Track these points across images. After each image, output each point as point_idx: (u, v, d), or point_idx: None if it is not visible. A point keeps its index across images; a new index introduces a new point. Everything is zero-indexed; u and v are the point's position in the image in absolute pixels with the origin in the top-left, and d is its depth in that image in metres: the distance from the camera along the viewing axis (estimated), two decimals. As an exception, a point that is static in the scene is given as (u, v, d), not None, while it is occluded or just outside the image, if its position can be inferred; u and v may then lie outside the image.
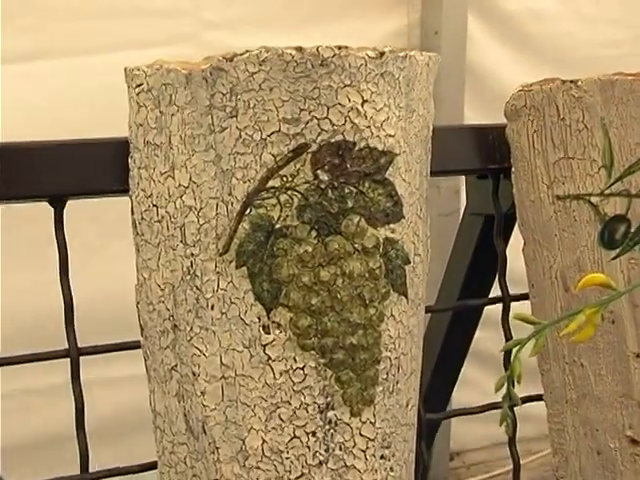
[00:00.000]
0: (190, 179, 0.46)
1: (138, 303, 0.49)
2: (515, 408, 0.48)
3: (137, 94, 0.47)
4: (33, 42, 1.22)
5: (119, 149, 0.49)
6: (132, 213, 0.49)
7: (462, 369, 0.80)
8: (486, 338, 1.04)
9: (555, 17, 1.71)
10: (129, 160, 0.48)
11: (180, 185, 0.46)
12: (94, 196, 0.52)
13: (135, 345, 0.51)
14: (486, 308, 0.73)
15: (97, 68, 1.33)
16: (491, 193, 0.61)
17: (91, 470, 0.53)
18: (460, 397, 1.03)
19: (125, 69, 0.48)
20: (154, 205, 0.47)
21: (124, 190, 0.49)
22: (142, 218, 0.48)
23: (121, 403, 1.14)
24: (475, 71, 1.59)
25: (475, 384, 1.27)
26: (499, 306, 0.67)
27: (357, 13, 1.58)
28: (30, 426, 1.12)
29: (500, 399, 0.62)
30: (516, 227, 0.64)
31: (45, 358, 0.53)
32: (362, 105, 0.44)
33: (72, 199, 0.51)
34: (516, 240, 0.66)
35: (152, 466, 0.52)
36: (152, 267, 0.48)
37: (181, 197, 0.46)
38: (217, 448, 0.47)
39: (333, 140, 0.44)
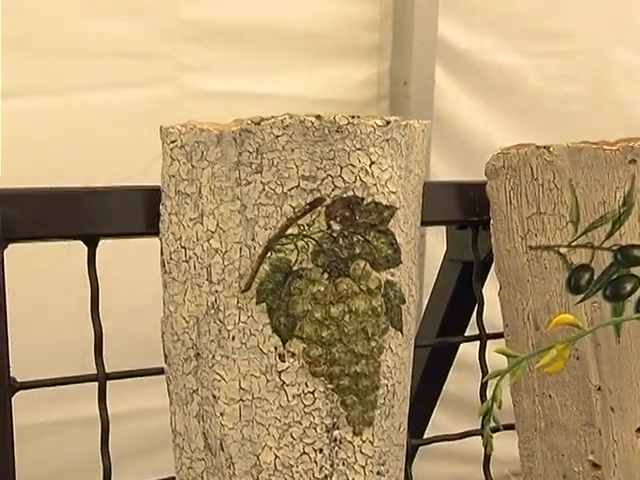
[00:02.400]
0: (217, 225, 0.52)
1: (163, 334, 0.55)
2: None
3: (171, 149, 0.54)
4: (11, 80, 1.26)
5: (150, 196, 0.56)
6: (161, 254, 0.55)
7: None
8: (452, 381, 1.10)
9: (519, 71, 1.81)
10: (160, 206, 0.55)
11: (208, 230, 0.53)
12: (125, 237, 0.58)
13: (158, 371, 0.57)
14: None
15: (75, 107, 1.38)
16: (471, 242, 0.69)
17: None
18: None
19: (160, 127, 0.54)
20: (183, 247, 0.54)
21: (154, 233, 0.56)
22: (170, 258, 0.54)
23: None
24: (442, 120, 1.66)
25: (439, 426, 1.33)
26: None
27: (329, 62, 1.65)
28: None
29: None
30: (490, 274, 0.71)
31: (73, 381, 0.58)
32: (370, 166, 0.51)
33: (104, 239, 0.58)
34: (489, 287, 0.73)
35: (170, 481, 0.58)
36: (178, 301, 0.54)
37: (208, 241, 0.53)
38: (233, 463, 0.53)
39: (345, 195, 0.51)
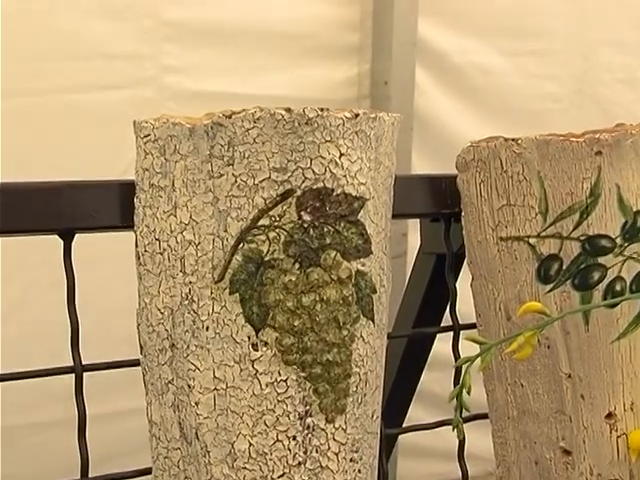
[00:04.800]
0: (190, 217, 0.53)
1: (139, 325, 0.56)
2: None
3: (144, 143, 0.55)
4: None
5: (125, 190, 0.57)
6: (136, 246, 0.56)
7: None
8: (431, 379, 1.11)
9: (499, 71, 1.82)
10: (135, 200, 0.56)
11: (181, 222, 0.54)
12: (100, 231, 0.59)
13: (134, 363, 0.58)
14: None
15: (56, 108, 1.39)
16: (443, 234, 0.70)
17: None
18: (406, 435, 1.11)
19: (134, 122, 0.55)
20: (157, 239, 0.55)
21: (129, 226, 0.56)
22: (145, 250, 0.55)
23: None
24: (422, 119, 1.68)
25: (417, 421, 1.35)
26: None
27: (310, 63, 1.66)
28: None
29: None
30: (465, 267, 0.72)
31: (51, 374, 0.59)
32: (339, 158, 0.52)
33: (80, 233, 0.58)
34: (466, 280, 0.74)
35: (147, 471, 0.59)
36: (153, 293, 0.55)
37: (182, 233, 0.54)
38: (208, 452, 0.54)
39: (315, 187, 0.52)
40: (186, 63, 1.54)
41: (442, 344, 0.83)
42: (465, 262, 0.68)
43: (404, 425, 0.85)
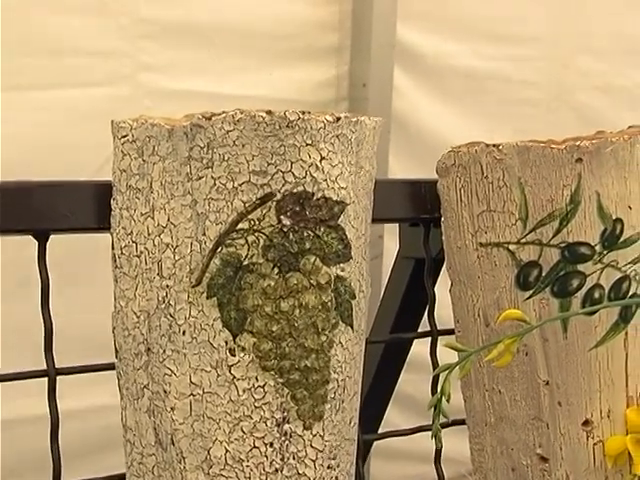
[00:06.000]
0: (168, 220, 0.52)
1: (114, 328, 0.55)
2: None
3: (122, 144, 0.54)
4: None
5: (101, 191, 0.56)
6: (112, 248, 0.55)
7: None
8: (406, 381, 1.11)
9: (477, 74, 1.83)
10: (112, 201, 0.55)
11: (159, 225, 0.53)
12: (76, 232, 0.58)
13: (109, 367, 0.57)
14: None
15: (30, 105, 1.37)
16: (422, 239, 0.69)
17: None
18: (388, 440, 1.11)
19: (112, 122, 0.54)
20: (134, 242, 0.54)
21: (104, 228, 0.55)
22: (122, 253, 0.54)
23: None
24: (400, 122, 1.68)
25: (395, 426, 1.35)
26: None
27: (288, 63, 1.66)
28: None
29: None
30: (443, 272, 0.72)
31: (24, 377, 0.58)
32: (320, 161, 0.52)
33: (55, 234, 0.57)
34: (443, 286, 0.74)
35: (120, 477, 0.58)
36: (129, 296, 0.54)
37: (159, 235, 0.53)
38: (184, 458, 0.53)
39: (295, 190, 0.52)
40: (163, 61, 1.53)
41: (419, 346, 0.83)
42: (443, 267, 0.68)
43: (380, 428, 0.84)
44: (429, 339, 0.70)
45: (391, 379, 0.83)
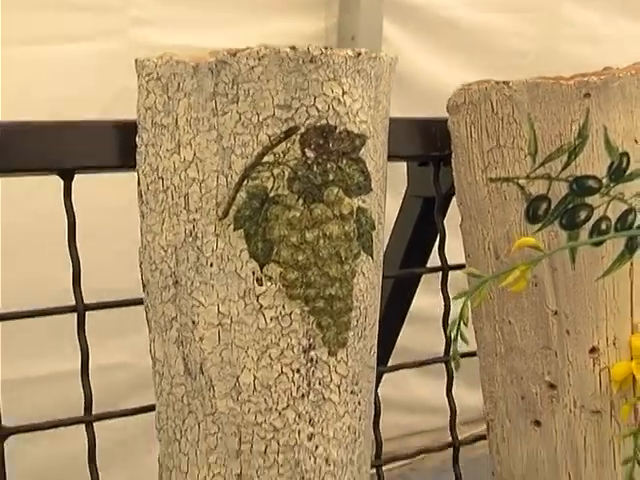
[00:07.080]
0: (194, 155, 0.54)
1: (141, 263, 0.57)
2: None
3: (147, 82, 0.55)
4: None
5: (124, 130, 0.57)
6: (138, 185, 0.56)
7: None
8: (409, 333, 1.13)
9: (466, 25, 1.83)
10: (137, 139, 0.56)
11: (185, 160, 0.54)
12: (100, 171, 0.59)
13: (136, 302, 0.59)
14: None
15: (22, 60, 1.37)
16: (432, 177, 0.71)
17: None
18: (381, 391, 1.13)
19: (136, 60, 0.55)
20: (160, 177, 0.55)
21: (129, 166, 0.57)
22: (148, 189, 0.56)
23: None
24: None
25: (396, 380, 1.37)
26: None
27: (277, 17, 1.66)
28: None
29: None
30: (451, 208, 0.73)
31: (52, 312, 0.60)
32: (342, 95, 0.53)
33: (80, 173, 0.59)
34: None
35: (150, 409, 0.59)
36: (156, 231, 0.56)
37: (185, 170, 0.54)
38: (213, 386, 0.55)
39: (318, 124, 0.53)
40: (154, 16, 1.52)
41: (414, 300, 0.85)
42: (450, 205, 0.70)
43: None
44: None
45: (401, 313, 0.85)
